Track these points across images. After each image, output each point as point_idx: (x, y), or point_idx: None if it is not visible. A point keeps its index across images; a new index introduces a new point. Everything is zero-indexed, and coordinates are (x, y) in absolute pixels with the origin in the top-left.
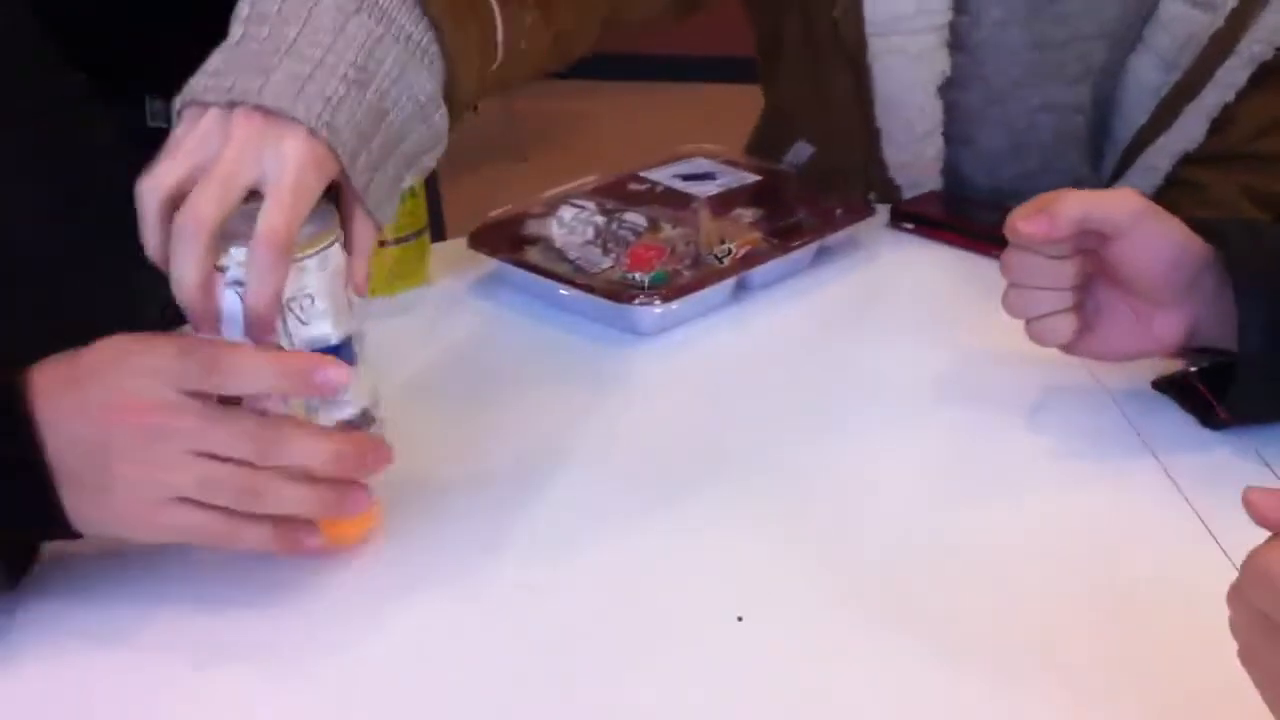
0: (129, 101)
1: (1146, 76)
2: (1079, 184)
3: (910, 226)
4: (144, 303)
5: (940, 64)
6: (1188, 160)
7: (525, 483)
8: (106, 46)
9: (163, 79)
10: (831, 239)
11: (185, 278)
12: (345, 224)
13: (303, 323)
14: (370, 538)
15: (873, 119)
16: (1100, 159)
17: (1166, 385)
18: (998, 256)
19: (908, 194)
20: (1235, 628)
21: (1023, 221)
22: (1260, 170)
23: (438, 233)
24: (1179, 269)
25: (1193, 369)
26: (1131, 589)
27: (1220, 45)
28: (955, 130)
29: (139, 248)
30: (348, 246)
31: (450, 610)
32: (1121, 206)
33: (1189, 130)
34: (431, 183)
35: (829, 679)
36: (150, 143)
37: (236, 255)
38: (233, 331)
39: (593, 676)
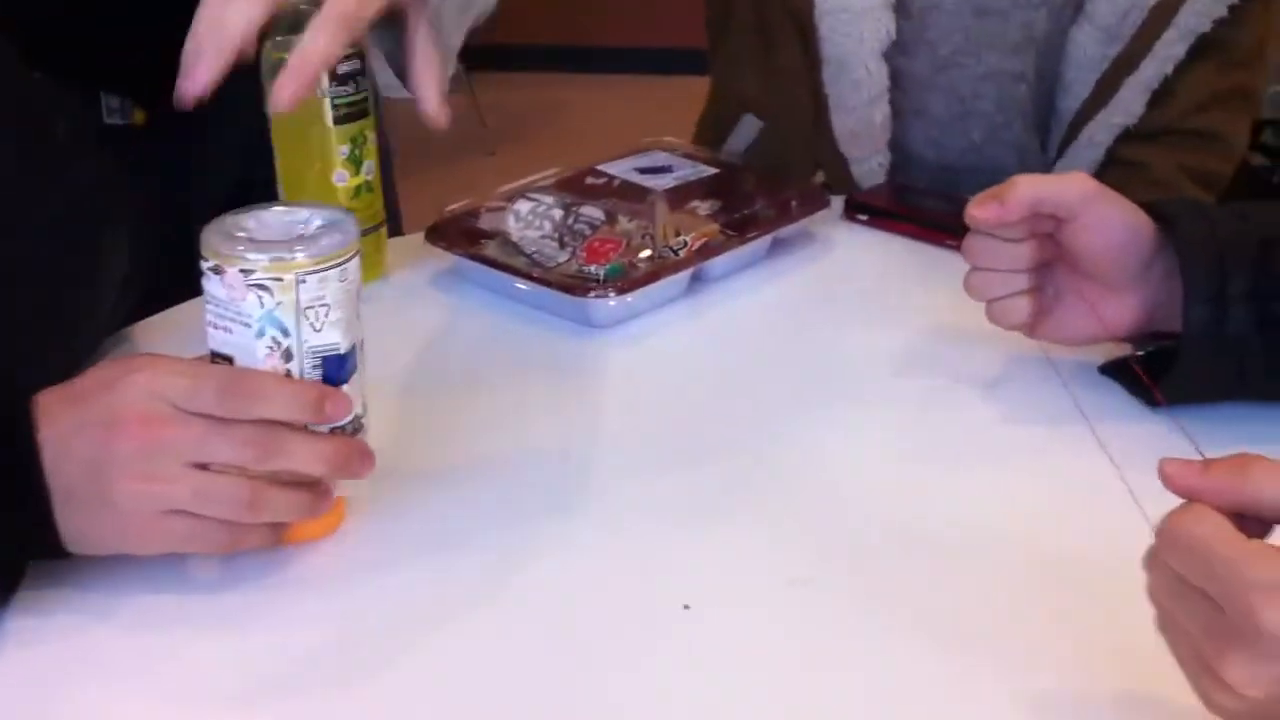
0: (84, 99)
1: (1088, 49)
2: (1024, 156)
3: (864, 218)
4: (103, 300)
5: (885, 24)
6: (1128, 137)
7: (482, 473)
8: (62, 44)
9: (118, 76)
10: (786, 230)
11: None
12: (409, 60)
13: (315, 330)
14: (333, 533)
15: (821, 85)
16: (1047, 132)
17: (1112, 369)
18: (950, 246)
19: (855, 168)
20: (1151, 592)
21: (976, 207)
22: (1199, 148)
23: (395, 228)
24: (1130, 251)
25: (1137, 353)
26: (1063, 558)
27: (1159, 17)
28: (903, 100)
29: (100, 244)
30: (415, 77)
31: (408, 599)
32: (1072, 189)
33: (1128, 104)
34: (386, 178)
35: (782, 661)
36: (106, 139)
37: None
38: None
39: (547, 662)
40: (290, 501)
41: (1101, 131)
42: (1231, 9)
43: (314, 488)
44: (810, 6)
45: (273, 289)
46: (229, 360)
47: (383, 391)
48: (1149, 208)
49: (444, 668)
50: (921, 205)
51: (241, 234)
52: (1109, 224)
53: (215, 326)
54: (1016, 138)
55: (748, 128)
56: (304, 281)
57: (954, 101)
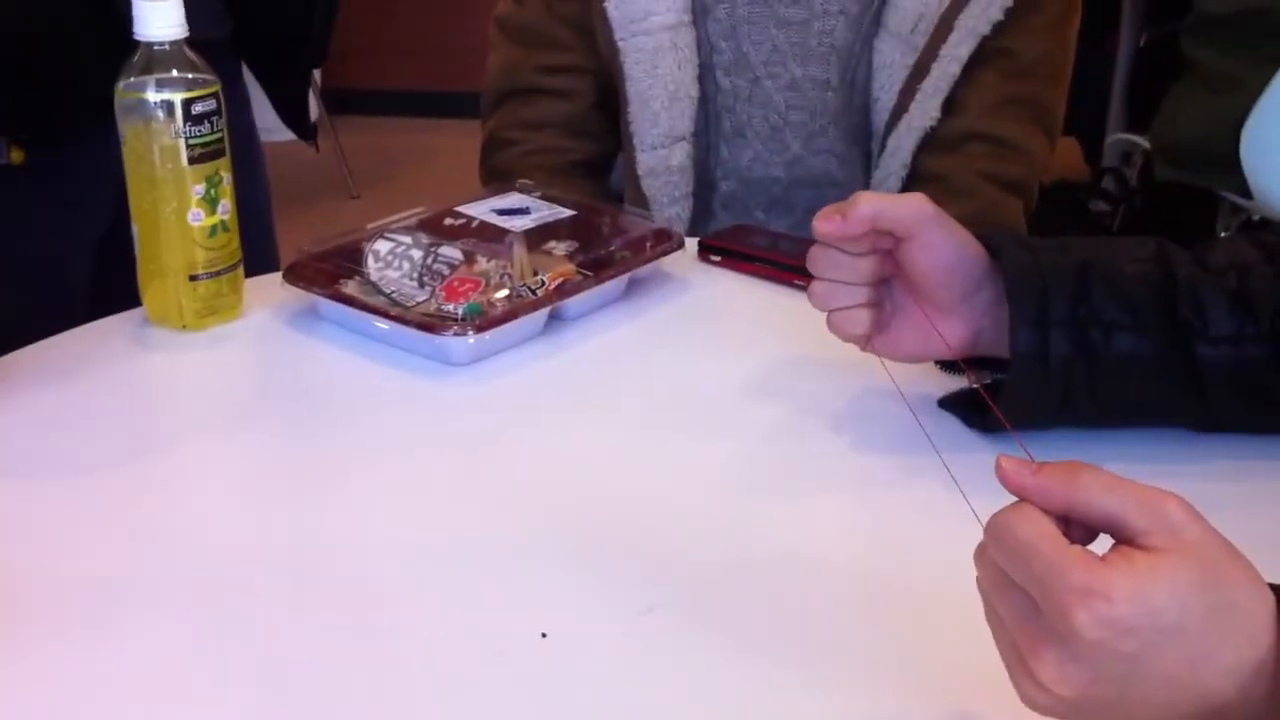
0: None
1: (890, 58)
2: (845, 164)
3: (717, 259)
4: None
5: (685, 44)
6: (928, 148)
7: (339, 509)
8: None
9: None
10: (642, 271)
11: None
12: None
13: None
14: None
15: (627, 123)
16: (869, 143)
17: (950, 402)
18: (798, 285)
19: (656, 214)
20: (979, 585)
21: (821, 220)
22: (994, 154)
23: (271, 267)
24: (957, 274)
25: (975, 385)
26: (910, 573)
27: (945, 23)
28: (729, 120)
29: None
30: None
31: (251, 631)
32: (909, 209)
33: (926, 109)
34: (261, 218)
35: (632, 690)
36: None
37: None
38: None
39: (405, 696)
40: None
41: (904, 139)
42: (1008, 12)
43: None
44: (614, 50)
45: None
46: None
47: (236, 428)
48: (978, 235)
49: (296, 700)
50: (770, 247)
51: None
52: (940, 246)
53: None
54: (833, 145)
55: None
56: None
57: (770, 113)
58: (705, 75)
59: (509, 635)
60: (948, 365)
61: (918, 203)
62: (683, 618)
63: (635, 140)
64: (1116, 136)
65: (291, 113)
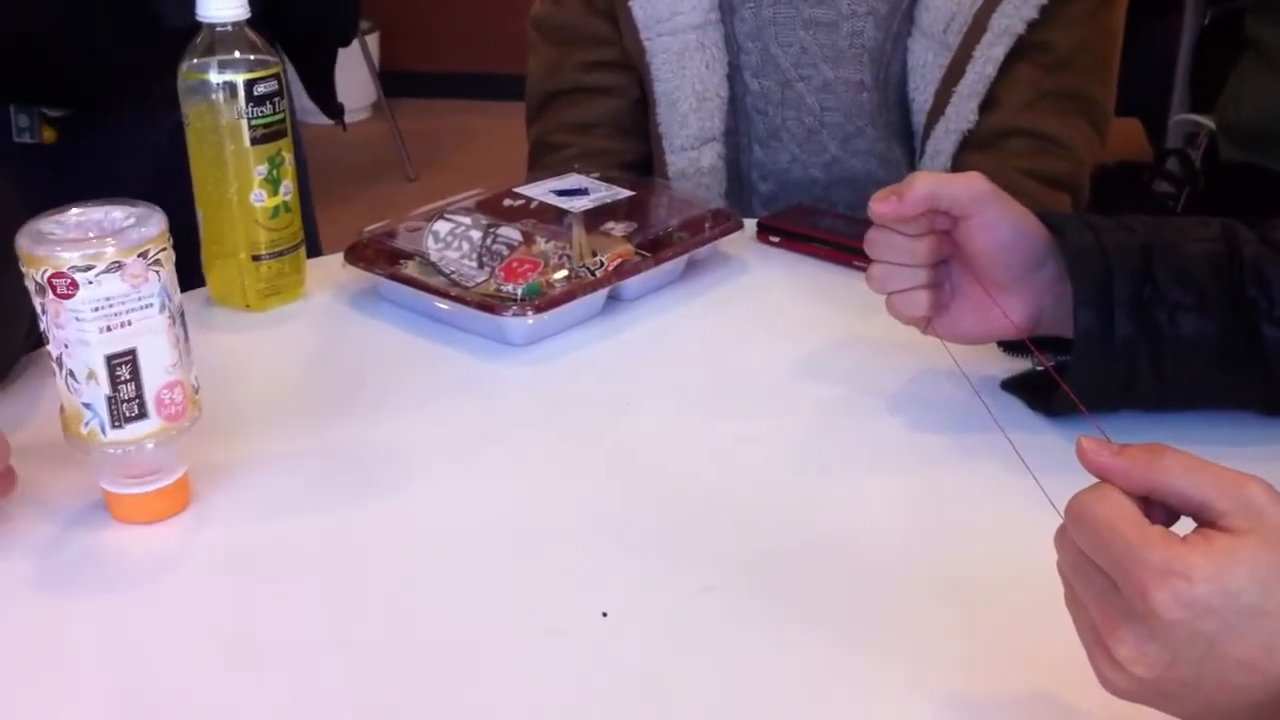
0: None
1: (924, 59)
2: (887, 163)
3: (775, 240)
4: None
5: (714, 43)
6: (965, 147)
7: (400, 489)
8: None
9: (29, 93)
10: (700, 251)
11: None
12: None
13: None
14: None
15: (656, 125)
16: (911, 139)
17: (1013, 385)
18: (857, 266)
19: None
20: (1059, 566)
21: (877, 202)
22: (1034, 150)
23: (313, 249)
24: (1016, 252)
25: (1036, 367)
26: (975, 557)
27: (979, 22)
28: (764, 124)
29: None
30: None
31: (319, 610)
32: (966, 188)
33: (962, 113)
34: (304, 199)
35: (694, 667)
36: (15, 158)
37: None
38: None
39: (465, 674)
40: None
41: (944, 142)
42: (1042, 10)
43: None
44: (641, 51)
45: (164, 261)
46: (133, 354)
47: (299, 408)
48: (1039, 214)
49: (352, 677)
50: (830, 228)
51: (82, 232)
52: (997, 224)
53: (109, 329)
54: (872, 146)
55: None
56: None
57: (806, 115)
58: (734, 75)
59: (569, 613)
60: (1010, 347)
61: (974, 181)
62: (740, 597)
63: (665, 142)
64: (1180, 117)
65: (320, 93)
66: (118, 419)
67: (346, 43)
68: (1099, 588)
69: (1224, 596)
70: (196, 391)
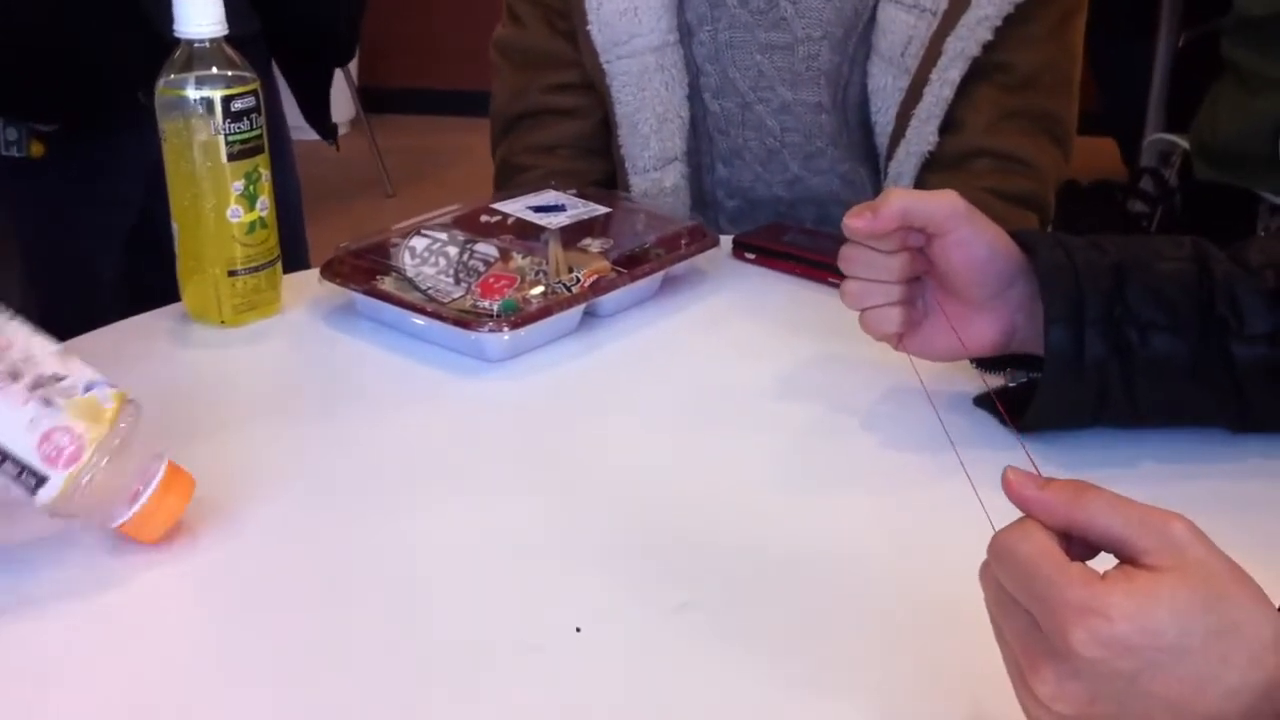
0: None
1: (882, 82)
2: (850, 183)
3: (751, 256)
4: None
5: (674, 64)
6: (932, 168)
7: (374, 505)
8: None
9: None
10: (677, 268)
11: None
12: None
13: None
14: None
15: (618, 148)
16: (875, 159)
17: (985, 401)
18: (831, 283)
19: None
20: (987, 604)
21: (852, 217)
22: (999, 170)
23: (302, 265)
24: (989, 270)
25: (1007, 384)
26: (942, 573)
27: (935, 45)
28: (725, 144)
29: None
30: None
31: (293, 626)
32: (941, 205)
33: (923, 134)
34: (290, 214)
35: (669, 683)
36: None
37: None
38: None
39: (439, 689)
40: None
41: (905, 164)
42: (998, 31)
43: None
44: (601, 74)
45: None
46: None
47: (273, 423)
48: (1011, 233)
49: (334, 687)
50: (805, 244)
51: None
52: (971, 241)
53: None
54: (834, 165)
55: None
56: None
57: (766, 136)
58: (694, 96)
59: (543, 630)
60: (983, 364)
61: (949, 198)
62: (715, 614)
63: (628, 164)
64: (1155, 136)
65: (314, 111)
66: (32, 491)
67: (345, 61)
68: (1021, 624)
69: (1144, 634)
70: (111, 404)
